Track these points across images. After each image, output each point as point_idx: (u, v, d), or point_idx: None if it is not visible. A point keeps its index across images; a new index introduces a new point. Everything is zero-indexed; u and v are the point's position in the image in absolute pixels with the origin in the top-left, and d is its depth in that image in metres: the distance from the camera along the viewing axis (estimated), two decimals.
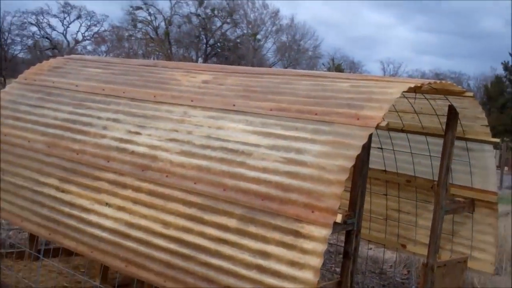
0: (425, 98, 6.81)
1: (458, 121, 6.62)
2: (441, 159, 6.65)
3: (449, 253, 7.53)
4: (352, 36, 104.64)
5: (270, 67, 61.69)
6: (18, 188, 6.73)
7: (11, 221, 7.12)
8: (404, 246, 8.12)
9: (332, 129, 4.88)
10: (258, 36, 68.35)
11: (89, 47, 65.37)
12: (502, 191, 23.26)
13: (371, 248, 10.16)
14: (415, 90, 5.95)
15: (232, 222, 4.81)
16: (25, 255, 7.91)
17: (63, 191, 6.23)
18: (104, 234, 5.65)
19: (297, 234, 4.43)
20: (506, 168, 32.65)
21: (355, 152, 4.57)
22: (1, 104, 7.70)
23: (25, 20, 61.03)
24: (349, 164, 4.52)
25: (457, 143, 6.86)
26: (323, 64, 71.44)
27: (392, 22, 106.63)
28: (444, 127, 6.71)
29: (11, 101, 7.71)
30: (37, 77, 7.97)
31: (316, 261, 4.25)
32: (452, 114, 6.50)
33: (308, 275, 4.26)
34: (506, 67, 54.82)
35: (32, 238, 7.88)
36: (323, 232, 4.32)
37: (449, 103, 6.52)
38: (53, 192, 6.32)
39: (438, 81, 5.86)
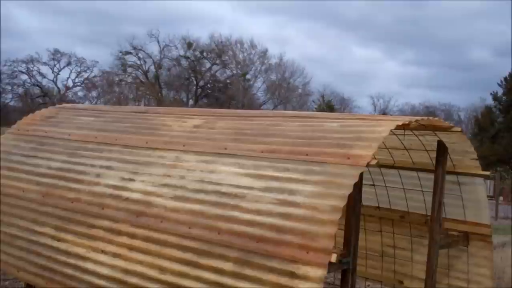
0: (414, 134, 6.90)
1: (448, 156, 6.70)
2: (433, 194, 6.71)
3: (446, 287, 7.53)
4: (341, 72, 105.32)
5: (261, 106, 62.04)
6: (13, 238, 6.74)
7: (7, 271, 7.09)
8: (401, 282, 8.12)
9: (323, 169, 4.95)
10: (248, 76, 68.77)
11: (79, 93, 65.44)
12: (498, 221, 23.25)
13: (368, 285, 10.12)
14: (403, 127, 6.04)
15: (227, 266, 4.83)
16: None
17: (58, 240, 6.25)
18: (101, 282, 5.65)
19: (292, 275, 4.45)
20: (500, 198, 32.66)
21: (347, 191, 4.63)
22: None
23: (15, 69, 61.24)
24: (341, 203, 4.57)
25: (448, 177, 6.94)
26: (313, 101, 71.77)
27: (380, 57, 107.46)
28: (434, 162, 6.79)
29: (5, 151, 7.76)
30: (30, 127, 8.03)
31: None
32: (441, 149, 6.59)
33: None
34: (495, 97, 55.26)
35: None
36: (319, 273, 4.35)
37: (438, 139, 6.61)
38: (49, 241, 6.33)
39: (425, 118, 5.95)
